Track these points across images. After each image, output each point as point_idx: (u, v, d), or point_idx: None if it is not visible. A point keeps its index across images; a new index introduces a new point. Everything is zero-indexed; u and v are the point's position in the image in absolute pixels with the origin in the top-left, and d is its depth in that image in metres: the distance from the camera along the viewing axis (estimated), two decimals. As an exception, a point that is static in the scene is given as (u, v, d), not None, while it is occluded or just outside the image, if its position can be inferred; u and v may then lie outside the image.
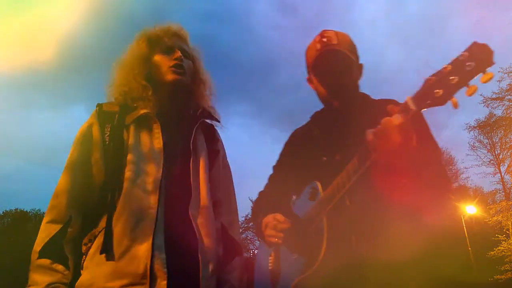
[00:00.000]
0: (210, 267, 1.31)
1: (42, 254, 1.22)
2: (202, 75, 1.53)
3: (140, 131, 1.36)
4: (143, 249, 1.18)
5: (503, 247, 19.91)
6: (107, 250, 1.18)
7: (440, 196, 1.33)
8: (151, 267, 1.17)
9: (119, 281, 1.16)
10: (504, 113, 20.62)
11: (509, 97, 20.11)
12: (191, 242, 1.27)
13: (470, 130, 22.89)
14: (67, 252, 1.24)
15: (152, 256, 1.18)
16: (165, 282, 1.17)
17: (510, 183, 22.03)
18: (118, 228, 1.21)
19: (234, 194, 1.61)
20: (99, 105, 1.41)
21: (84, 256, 1.25)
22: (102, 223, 1.25)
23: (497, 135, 22.66)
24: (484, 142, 23.34)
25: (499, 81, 19.79)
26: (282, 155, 1.75)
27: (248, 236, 33.37)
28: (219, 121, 1.56)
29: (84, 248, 1.26)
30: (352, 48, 1.55)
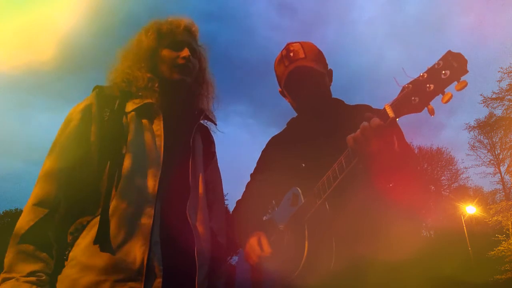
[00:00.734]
0: (205, 268, 1.27)
1: (26, 238, 1.10)
2: (206, 75, 1.49)
3: (141, 121, 1.29)
4: (139, 244, 1.12)
5: (503, 247, 19.92)
6: (101, 242, 1.10)
7: (425, 193, 1.37)
8: (147, 263, 1.11)
9: (112, 275, 1.08)
10: (504, 113, 20.62)
11: (509, 97, 20.12)
12: (188, 241, 1.23)
13: (470, 130, 22.92)
14: (52, 240, 1.14)
15: (149, 252, 1.12)
16: (160, 280, 1.12)
17: (510, 183, 22.05)
18: (114, 220, 1.13)
19: (223, 199, 1.57)
20: (99, 87, 1.32)
21: (69, 246, 1.16)
22: (93, 212, 1.17)
23: (497, 135, 22.69)
24: (484, 142, 23.38)
25: (499, 81, 19.81)
26: (260, 162, 1.75)
27: (248, 236, 33.37)
28: (215, 124, 1.53)
29: (70, 237, 1.17)
30: (319, 57, 1.57)
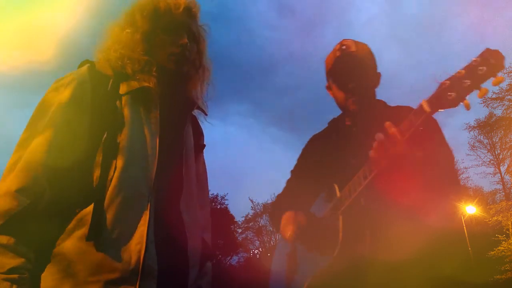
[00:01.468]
0: (196, 269, 1.22)
1: (5, 229, 0.95)
2: (203, 59, 1.38)
3: (136, 108, 1.16)
4: (135, 242, 1.03)
5: (503, 247, 19.91)
6: (95, 238, 0.99)
7: (441, 198, 1.36)
8: (143, 263, 1.02)
9: (105, 275, 0.98)
10: (504, 113, 20.62)
11: (509, 97, 20.12)
12: (182, 240, 1.16)
13: (470, 130, 22.94)
14: (34, 232, 1.00)
15: (146, 251, 1.03)
16: (155, 280, 1.04)
17: (510, 183, 22.05)
18: (109, 215, 1.02)
19: (208, 195, 1.50)
20: (91, 63, 1.17)
21: (54, 240, 1.03)
22: (82, 204, 1.04)
23: (497, 135, 22.69)
24: (484, 142, 23.37)
25: (499, 81, 19.74)
26: (300, 159, 1.82)
27: (248, 236, 33.44)
28: (206, 114, 1.41)
29: (55, 230, 1.04)
30: (370, 56, 1.62)
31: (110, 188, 1.04)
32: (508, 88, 19.87)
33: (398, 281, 1.34)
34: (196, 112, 1.41)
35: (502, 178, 22.29)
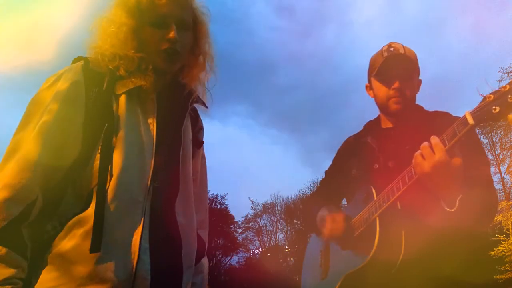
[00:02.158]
0: (191, 270, 1.19)
1: None
2: (203, 46, 1.27)
3: (133, 107, 1.12)
4: (128, 250, 1.00)
5: (503, 247, 19.90)
6: (96, 249, 0.96)
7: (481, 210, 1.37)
8: (135, 272, 0.99)
9: (97, 285, 0.95)
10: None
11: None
12: (176, 244, 1.13)
13: (470, 130, 22.85)
14: (26, 240, 0.97)
15: (138, 260, 1.00)
16: None
17: (510, 183, 22.03)
18: (105, 221, 0.99)
19: (207, 190, 1.43)
20: (85, 60, 1.12)
21: (45, 246, 1.00)
22: (73, 209, 1.01)
23: (497, 135, 22.66)
24: (484, 142, 23.32)
25: (499, 81, 19.77)
26: (334, 161, 1.86)
27: (248, 236, 33.44)
28: (207, 107, 1.34)
29: (46, 235, 1.01)
30: (416, 61, 1.63)
31: (107, 195, 1.00)
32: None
33: (398, 281, 1.34)
34: (197, 105, 1.35)
35: (502, 178, 22.29)
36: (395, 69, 1.56)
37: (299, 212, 28.96)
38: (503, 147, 22.34)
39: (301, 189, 34.10)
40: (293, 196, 31.95)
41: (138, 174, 1.06)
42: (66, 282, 0.95)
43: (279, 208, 32.45)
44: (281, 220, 32.44)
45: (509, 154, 21.86)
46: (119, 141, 1.05)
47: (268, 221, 32.87)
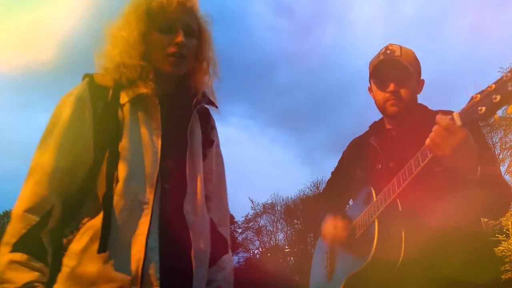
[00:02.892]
0: (202, 270, 1.23)
1: (18, 247, 1.03)
2: (207, 52, 1.34)
3: (137, 115, 1.19)
4: (134, 251, 1.07)
5: (503, 247, 19.90)
6: (104, 249, 1.04)
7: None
8: (142, 271, 1.06)
9: (106, 284, 1.03)
10: (504, 113, 20.60)
11: (509, 97, 20.08)
12: (185, 243, 1.17)
13: (470, 130, 22.85)
14: (46, 246, 1.07)
15: (145, 259, 1.06)
16: (158, 287, 1.08)
17: (510, 183, 22.01)
18: (112, 226, 1.07)
19: (226, 188, 1.47)
20: (90, 76, 1.21)
21: (63, 251, 1.10)
22: (87, 214, 1.11)
23: (497, 135, 22.66)
24: (484, 142, 23.31)
25: (499, 81, 19.77)
26: (340, 161, 1.88)
27: (248, 236, 33.42)
28: (216, 107, 1.40)
29: (64, 240, 1.11)
30: (415, 63, 1.64)
31: (114, 200, 1.09)
32: (508, 88, 19.85)
33: (398, 281, 1.34)
34: (210, 108, 1.41)
35: (502, 178, 22.29)
36: (389, 72, 1.58)
37: (299, 212, 28.95)
38: (503, 147, 22.35)
39: (301, 189, 34.01)
40: (293, 196, 31.91)
41: (143, 177, 1.13)
42: (79, 282, 1.04)
43: (279, 208, 32.46)
44: (281, 220, 32.45)
45: (509, 154, 21.88)
46: (124, 147, 1.13)
47: (268, 221, 32.88)
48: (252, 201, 32.70)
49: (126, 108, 1.19)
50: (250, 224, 33.11)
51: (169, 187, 1.19)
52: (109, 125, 1.15)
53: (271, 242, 32.60)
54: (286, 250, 31.54)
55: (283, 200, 32.31)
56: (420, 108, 1.66)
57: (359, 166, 1.71)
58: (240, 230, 33.38)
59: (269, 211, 32.64)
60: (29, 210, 1.06)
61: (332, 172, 1.93)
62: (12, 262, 1.02)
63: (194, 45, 1.28)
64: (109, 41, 1.24)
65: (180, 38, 1.21)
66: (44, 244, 1.07)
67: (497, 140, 22.84)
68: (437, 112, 1.61)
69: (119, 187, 1.10)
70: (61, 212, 1.11)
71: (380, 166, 1.58)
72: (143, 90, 1.19)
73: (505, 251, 19.80)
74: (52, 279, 1.06)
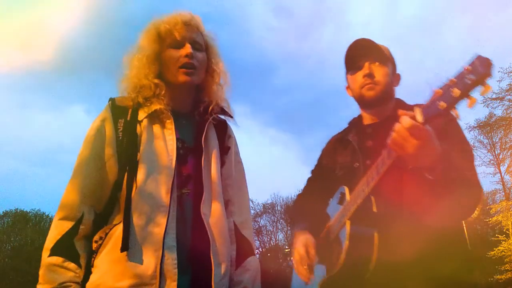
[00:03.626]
0: (223, 268, 1.29)
1: (54, 251, 1.19)
2: (215, 65, 1.46)
3: (153, 127, 1.34)
4: (153, 249, 1.18)
5: (503, 247, 19.93)
6: (126, 249, 1.17)
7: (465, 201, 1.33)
8: (161, 267, 1.16)
9: (127, 281, 1.15)
10: (504, 113, 20.65)
11: (509, 97, 20.14)
12: (203, 242, 1.26)
13: (470, 130, 22.90)
14: (79, 250, 1.22)
15: (162, 256, 1.17)
16: (175, 283, 1.17)
17: (510, 183, 22.04)
18: (131, 227, 1.20)
19: (247, 192, 1.56)
20: (112, 100, 1.38)
21: (94, 254, 1.23)
22: (112, 220, 1.25)
23: (497, 135, 22.69)
24: (484, 142, 23.36)
25: (499, 81, 19.83)
26: (319, 160, 1.83)
27: (248, 236, 33.38)
28: (231, 117, 1.51)
29: (94, 245, 1.24)
30: (388, 52, 1.62)
31: (132, 203, 1.22)
32: (508, 88, 19.90)
33: (398, 281, 1.33)
34: (226, 118, 1.52)
35: (502, 178, 22.30)
36: (362, 50, 1.56)
37: (299, 212, 28.88)
38: (503, 147, 22.36)
39: (301, 189, 33.92)
40: (293, 196, 31.93)
41: (160, 182, 1.25)
42: (107, 279, 1.16)
43: (279, 208, 32.49)
44: (281, 220, 32.48)
45: (509, 154, 21.90)
46: (142, 157, 1.28)
47: (268, 221, 32.91)
48: (252, 201, 32.76)
49: (144, 123, 1.33)
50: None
51: (186, 192, 1.31)
52: (129, 140, 1.30)
53: (271, 242, 32.67)
54: (286, 250, 31.54)
55: (283, 200, 32.38)
56: (397, 103, 1.61)
57: (338, 164, 1.66)
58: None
59: (269, 211, 32.68)
60: (63, 218, 1.24)
61: (312, 171, 1.87)
62: (50, 265, 1.18)
63: (203, 58, 1.41)
64: (127, 66, 1.40)
65: (189, 49, 1.35)
66: (77, 248, 1.22)
67: (497, 140, 22.87)
68: (412, 106, 1.59)
69: (137, 192, 1.23)
70: (92, 220, 1.26)
71: (357, 165, 1.54)
72: (157, 106, 1.34)
73: (505, 251, 19.81)
74: (85, 280, 1.20)
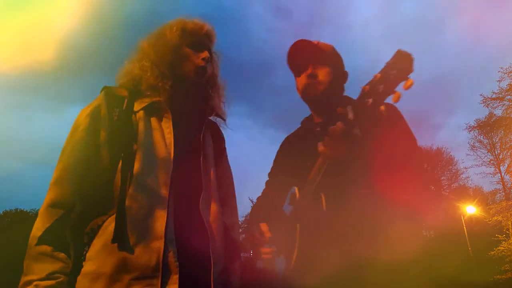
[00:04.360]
0: (220, 265, 1.28)
1: (43, 240, 1.12)
2: (217, 80, 1.53)
3: (150, 120, 1.31)
4: (154, 242, 1.14)
5: (503, 247, 19.92)
6: (118, 240, 1.12)
7: (425, 192, 1.35)
8: (163, 259, 1.13)
9: (129, 273, 1.10)
10: (504, 113, 20.64)
11: (509, 97, 20.13)
12: (203, 238, 1.24)
13: (470, 130, 22.91)
14: (69, 239, 1.16)
15: (165, 249, 1.14)
16: (177, 276, 1.13)
17: (510, 183, 22.03)
18: (129, 220, 1.14)
19: (235, 195, 1.57)
20: (107, 88, 1.34)
21: (86, 246, 1.18)
22: (107, 212, 1.19)
23: (497, 135, 22.67)
24: (484, 142, 23.35)
25: (499, 81, 19.84)
26: (275, 161, 1.82)
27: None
28: (224, 120, 1.54)
29: (86, 238, 1.19)
30: (332, 51, 1.63)
31: (128, 196, 1.16)
32: (508, 88, 19.89)
33: (398, 281, 1.33)
34: (216, 120, 1.54)
35: (502, 178, 22.29)
36: (304, 54, 1.55)
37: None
38: (503, 147, 22.35)
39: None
40: (293, 196, 31.81)
41: (158, 176, 1.22)
42: (104, 272, 1.10)
43: (279, 208, 32.38)
44: (281, 220, 32.38)
45: (509, 154, 21.88)
46: (139, 148, 1.23)
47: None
48: (252, 201, 32.71)
49: (140, 114, 1.30)
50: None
51: (185, 187, 1.27)
52: (124, 130, 1.25)
53: (271, 242, 32.55)
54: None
55: (283, 200, 32.25)
56: (344, 100, 1.59)
57: (292, 164, 1.64)
58: (240, 230, 33.34)
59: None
60: (52, 206, 1.16)
61: (268, 173, 1.85)
62: (38, 254, 1.11)
63: (210, 69, 1.47)
64: (141, 51, 1.40)
65: (207, 54, 1.40)
66: (67, 238, 1.16)
67: (497, 140, 22.86)
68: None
69: (134, 183, 1.17)
70: (82, 210, 1.20)
71: (309, 164, 1.50)
72: (155, 98, 1.33)
73: (505, 251, 19.81)
74: (76, 272, 1.14)
